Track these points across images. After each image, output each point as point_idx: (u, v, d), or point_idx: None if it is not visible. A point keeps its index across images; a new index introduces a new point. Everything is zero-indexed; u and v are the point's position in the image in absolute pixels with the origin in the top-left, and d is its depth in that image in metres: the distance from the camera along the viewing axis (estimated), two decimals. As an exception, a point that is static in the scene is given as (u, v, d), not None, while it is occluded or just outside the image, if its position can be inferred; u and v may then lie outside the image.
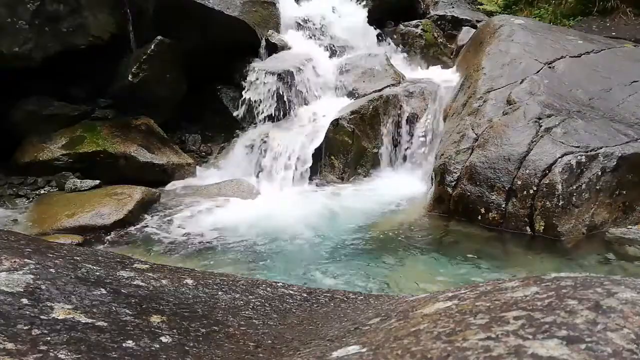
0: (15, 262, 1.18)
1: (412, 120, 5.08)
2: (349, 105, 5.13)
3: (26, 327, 0.94)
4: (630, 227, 3.67)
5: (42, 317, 0.99)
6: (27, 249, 1.33)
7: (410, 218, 4.05)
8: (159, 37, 4.95)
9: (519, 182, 3.69)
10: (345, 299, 1.43)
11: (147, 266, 1.48)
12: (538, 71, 4.60)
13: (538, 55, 4.82)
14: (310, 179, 4.77)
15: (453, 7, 7.39)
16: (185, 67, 5.23)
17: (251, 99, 5.20)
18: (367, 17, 6.58)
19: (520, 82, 4.47)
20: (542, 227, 3.60)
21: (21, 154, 4.55)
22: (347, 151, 4.89)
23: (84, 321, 1.02)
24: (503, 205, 3.74)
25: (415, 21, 6.89)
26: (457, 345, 0.73)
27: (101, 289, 1.18)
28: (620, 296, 0.79)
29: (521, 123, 4.00)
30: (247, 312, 1.25)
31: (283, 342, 1.09)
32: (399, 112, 5.10)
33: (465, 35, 6.62)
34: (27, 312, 0.99)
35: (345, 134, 4.88)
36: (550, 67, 4.67)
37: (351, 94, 5.38)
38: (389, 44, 6.62)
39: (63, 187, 4.32)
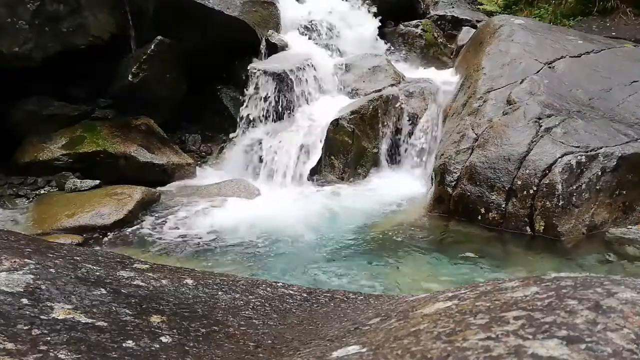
0: (15, 262, 1.18)
1: (412, 120, 5.08)
2: (349, 105, 5.12)
3: (26, 327, 0.94)
4: (630, 227, 3.67)
5: (42, 317, 0.99)
6: (27, 249, 1.33)
7: (410, 218, 4.05)
8: (159, 37, 4.95)
9: (519, 182, 3.69)
10: (345, 299, 1.43)
11: (147, 266, 1.48)
12: (538, 71, 4.60)
13: (538, 55, 4.82)
14: (310, 179, 4.76)
15: (453, 7, 7.38)
16: (185, 67, 5.22)
17: (251, 99, 5.20)
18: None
19: (520, 82, 4.46)
20: (542, 227, 3.60)
21: (21, 154, 4.55)
22: (347, 151, 4.89)
23: (84, 321, 1.02)
24: (503, 205, 3.74)
25: (415, 21, 6.88)
26: (457, 345, 0.73)
27: (101, 289, 1.18)
28: (620, 296, 0.79)
29: (521, 123, 4.00)
30: (247, 312, 1.25)
31: (283, 342, 1.09)
32: (399, 112, 5.10)
33: (465, 35, 6.61)
34: (27, 312, 0.99)
35: (345, 134, 4.88)
36: (550, 67, 4.67)
37: (351, 94, 5.37)
38: (388, 44, 6.63)
39: (63, 187, 4.32)
